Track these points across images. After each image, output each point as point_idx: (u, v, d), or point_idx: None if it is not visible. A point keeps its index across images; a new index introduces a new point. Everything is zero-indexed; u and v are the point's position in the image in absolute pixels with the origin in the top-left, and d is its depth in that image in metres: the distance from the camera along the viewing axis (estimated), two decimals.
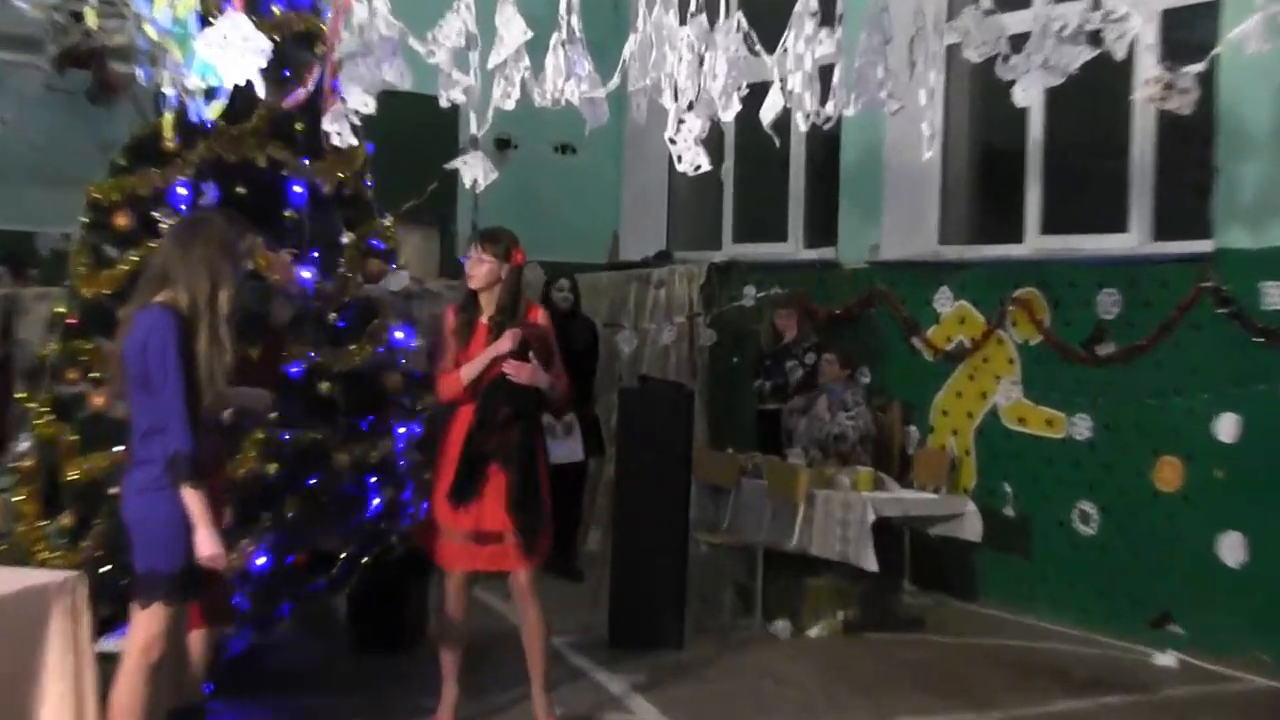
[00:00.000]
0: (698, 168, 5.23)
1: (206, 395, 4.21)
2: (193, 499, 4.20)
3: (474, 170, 5.49)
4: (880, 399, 8.95)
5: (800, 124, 5.31)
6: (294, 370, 5.98)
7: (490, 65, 5.15)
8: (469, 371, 5.43)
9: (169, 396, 4.20)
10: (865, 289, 9.28)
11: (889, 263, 9.20)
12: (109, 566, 5.68)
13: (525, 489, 5.34)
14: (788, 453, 8.38)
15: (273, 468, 5.82)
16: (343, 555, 6.02)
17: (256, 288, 5.87)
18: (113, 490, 5.44)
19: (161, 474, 4.21)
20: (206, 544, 4.22)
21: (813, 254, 9.93)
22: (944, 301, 8.79)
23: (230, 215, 4.77)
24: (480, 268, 5.48)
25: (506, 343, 5.38)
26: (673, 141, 5.19)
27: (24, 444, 5.80)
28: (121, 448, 5.58)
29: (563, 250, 10.59)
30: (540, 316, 5.59)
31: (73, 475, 5.73)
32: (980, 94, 9.05)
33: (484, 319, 5.52)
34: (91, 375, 5.89)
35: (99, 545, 5.58)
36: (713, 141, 10.25)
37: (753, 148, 10.57)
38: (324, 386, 5.99)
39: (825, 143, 10.04)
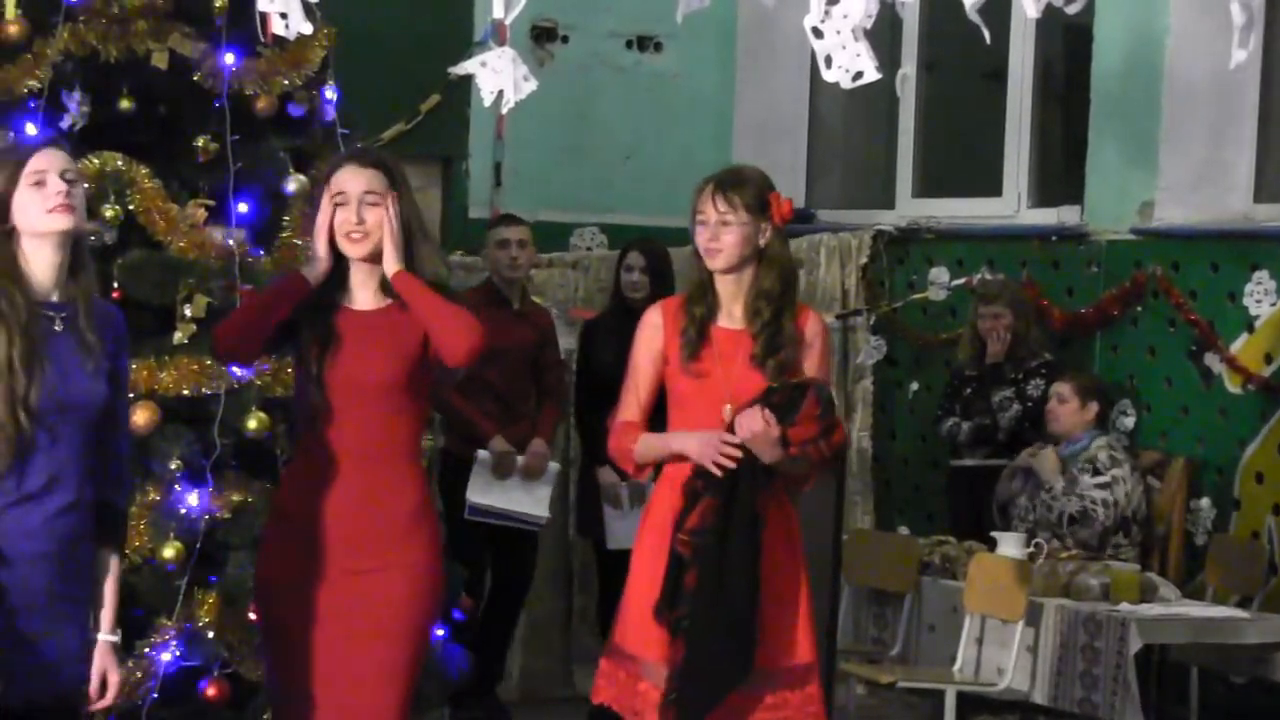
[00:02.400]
0: (857, 76, 5.19)
1: None
2: None
3: (498, 78, 5.50)
4: (1151, 454, 8.89)
5: (1029, 7, 5.26)
6: (210, 396, 6.00)
7: None
8: (648, 450, 5.44)
9: None
10: (1129, 275, 9.23)
11: (1170, 231, 9.16)
12: None
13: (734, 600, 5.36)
14: (999, 537, 8.32)
15: (172, 550, 5.85)
16: None
17: (145, 261, 5.90)
18: None
19: None
20: None
21: (1044, 217, 9.90)
22: (1262, 296, 8.74)
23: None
24: (725, 234, 5.39)
25: (705, 447, 5.28)
26: (819, 34, 5.16)
27: None
28: None
29: (638, 207, 10.60)
30: (811, 325, 5.51)
31: None
32: None
33: (725, 321, 5.47)
34: None
35: None
36: (883, 36, 10.22)
37: (948, 48, 10.50)
38: (252, 423, 6.00)
39: (1068, 42, 9.94)
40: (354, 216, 5.11)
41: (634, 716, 5.44)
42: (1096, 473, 8.35)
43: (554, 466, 8.61)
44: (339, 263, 5.20)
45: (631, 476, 5.70)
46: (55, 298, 4.46)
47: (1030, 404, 8.87)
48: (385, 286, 5.18)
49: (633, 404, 5.50)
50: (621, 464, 5.56)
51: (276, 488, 5.33)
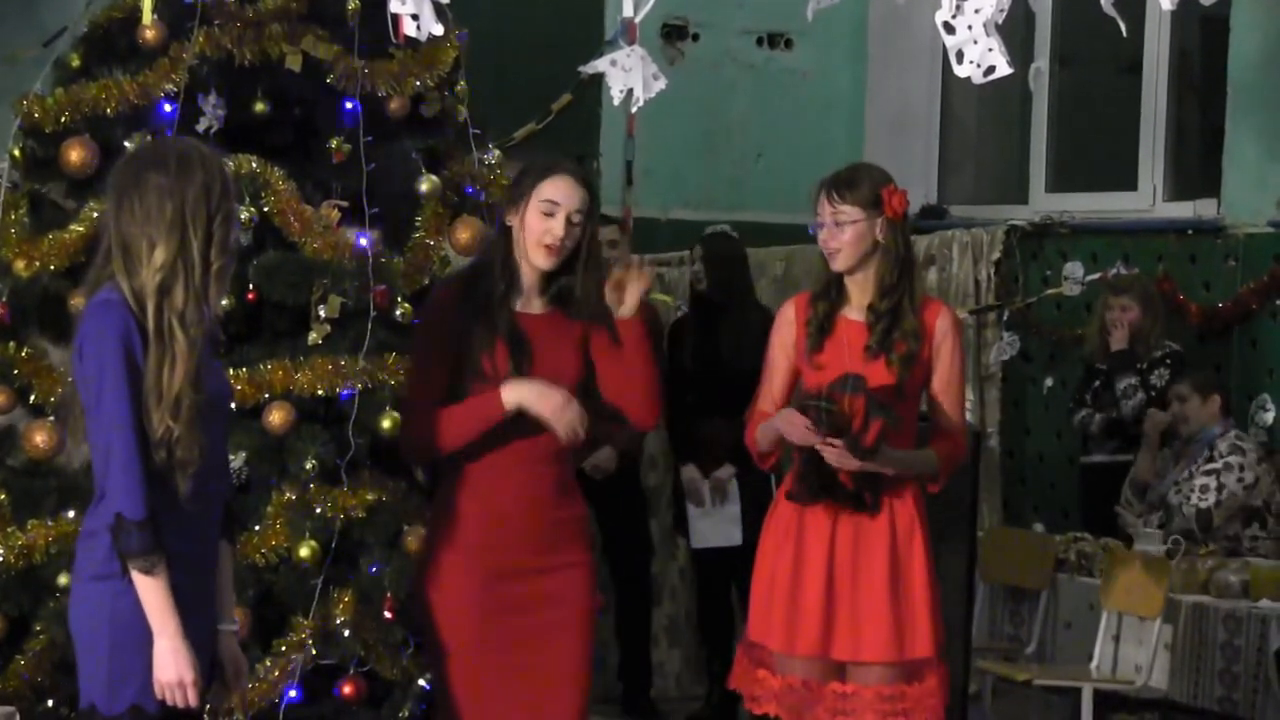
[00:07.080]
0: (989, 71, 5.15)
1: (158, 434, 4.23)
2: (149, 590, 4.25)
3: (628, 76, 5.49)
4: None
5: None
6: (344, 396, 6.02)
7: None
8: (763, 436, 5.51)
9: (104, 431, 4.24)
10: (1267, 268, 9.15)
11: None
12: (53, 700, 5.78)
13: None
14: (1137, 534, 8.24)
15: (308, 549, 5.88)
16: (420, 683, 6.04)
17: (280, 262, 5.92)
18: (63, 579, 5.55)
19: (110, 554, 4.25)
20: (166, 663, 4.26)
21: (1180, 210, 9.83)
22: None
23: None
24: (840, 234, 5.45)
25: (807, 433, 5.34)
26: (950, 29, 5.12)
27: None
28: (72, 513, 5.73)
29: (769, 205, 10.58)
30: (942, 320, 5.54)
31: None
32: None
33: (854, 314, 5.51)
34: (32, 400, 6.02)
35: (41, 664, 5.66)
36: (1016, 31, 10.14)
37: (1082, 41, 10.42)
38: (387, 423, 6.00)
39: (1204, 34, 9.84)
40: (562, 230, 5.11)
41: (751, 702, 5.55)
42: (1210, 460, 8.26)
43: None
44: (507, 263, 5.19)
45: (762, 467, 5.71)
46: None
47: (1154, 393, 8.79)
48: (552, 294, 5.20)
49: (766, 396, 5.61)
50: (754, 455, 5.62)
51: (444, 491, 5.28)
